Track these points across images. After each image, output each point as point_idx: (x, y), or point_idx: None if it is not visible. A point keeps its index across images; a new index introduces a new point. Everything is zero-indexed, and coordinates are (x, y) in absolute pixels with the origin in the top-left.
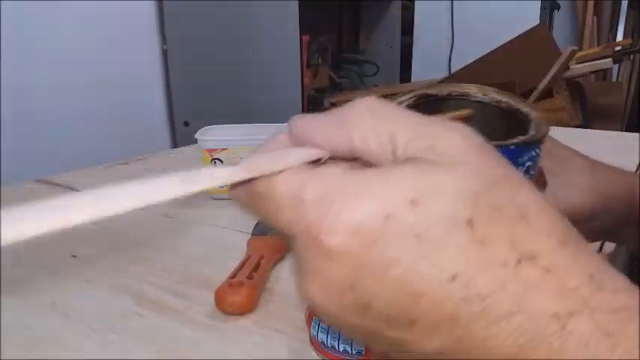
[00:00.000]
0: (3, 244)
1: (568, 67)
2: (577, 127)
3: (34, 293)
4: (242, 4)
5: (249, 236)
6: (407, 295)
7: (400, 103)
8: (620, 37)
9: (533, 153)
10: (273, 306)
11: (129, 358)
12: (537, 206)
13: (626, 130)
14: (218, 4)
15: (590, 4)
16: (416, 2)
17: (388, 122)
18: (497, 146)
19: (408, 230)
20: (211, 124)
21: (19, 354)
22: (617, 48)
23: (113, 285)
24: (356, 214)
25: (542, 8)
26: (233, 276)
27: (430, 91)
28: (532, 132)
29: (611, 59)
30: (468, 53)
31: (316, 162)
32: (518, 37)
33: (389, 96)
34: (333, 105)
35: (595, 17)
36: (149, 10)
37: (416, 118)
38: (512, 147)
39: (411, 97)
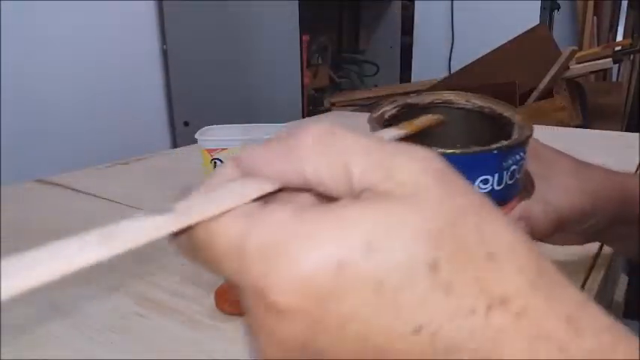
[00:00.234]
0: None
1: (568, 67)
2: (577, 127)
3: (34, 293)
4: (242, 4)
5: None
6: (369, 351)
7: (383, 113)
8: (620, 37)
9: (518, 157)
10: None
11: (129, 358)
12: (507, 241)
13: (626, 130)
14: (218, 4)
15: (590, 4)
16: (416, 2)
17: (341, 151)
18: (480, 152)
19: (364, 279)
20: (211, 124)
21: (19, 354)
22: (617, 48)
23: (113, 285)
24: (305, 266)
25: (542, 8)
26: None
27: (412, 101)
28: (515, 136)
29: (611, 59)
30: (468, 53)
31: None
32: (518, 37)
33: (374, 104)
34: (333, 105)
35: (595, 17)
36: (149, 10)
37: (372, 145)
38: (496, 152)
39: (394, 107)
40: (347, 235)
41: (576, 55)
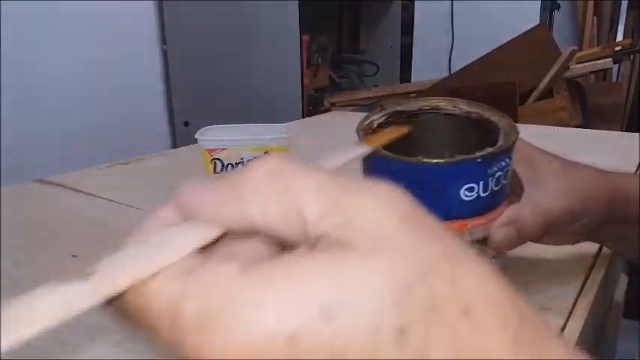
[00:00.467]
0: None
1: (568, 67)
2: (577, 127)
3: None
4: (242, 4)
5: None
6: None
7: (372, 121)
8: (620, 37)
9: (503, 163)
10: None
11: (129, 358)
12: (484, 292)
13: (626, 130)
14: (218, 4)
15: (590, 4)
16: (416, 2)
17: (293, 193)
18: (464, 161)
19: (322, 352)
20: (211, 124)
21: (19, 354)
22: (617, 48)
23: None
24: (250, 337)
25: (542, 8)
26: None
27: (401, 108)
28: (500, 142)
29: (611, 59)
30: (468, 53)
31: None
32: (518, 37)
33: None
34: (333, 105)
35: (595, 17)
36: (149, 10)
37: (328, 184)
38: (480, 160)
39: (383, 115)
40: (301, 300)
41: (576, 55)
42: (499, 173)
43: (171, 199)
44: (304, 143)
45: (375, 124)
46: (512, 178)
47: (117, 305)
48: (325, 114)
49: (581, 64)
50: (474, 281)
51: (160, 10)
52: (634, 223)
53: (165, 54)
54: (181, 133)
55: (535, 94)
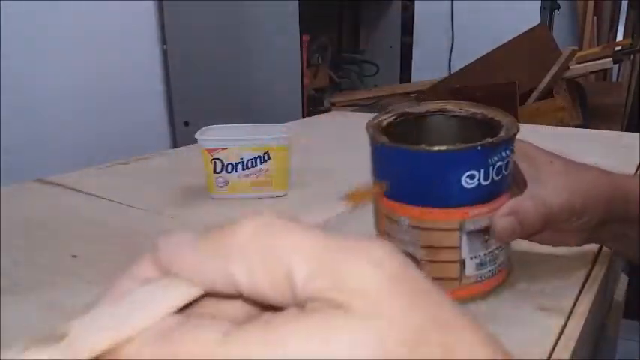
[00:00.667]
0: None
1: (568, 67)
2: (577, 127)
3: (34, 293)
4: (242, 4)
5: None
6: None
7: (381, 121)
8: (620, 37)
9: (504, 154)
10: None
11: None
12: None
13: (626, 130)
14: (218, 4)
15: (590, 4)
16: (416, 2)
17: (280, 252)
18: (465, 149)
19: None
20: (211, 124)
21: (19, 354)
22: (617, 48)
23: None
24: None
25: (542, 8)
26: None
27: (410, 110)
28: (501, 135)
29: (611, 59)
30: (468, 53)
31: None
32: (518, 37)
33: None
34: (333, 105)
35: (595, 17)
36: (149, 10)
37: (318, 242)
38: (480, 148)
39: (392, 115)
40: None
41: (576, 55)
42: (499, 163)
43: (150, 253)
44: (304, 143)
45: (385, 123)
46: (515, 175)
47: None
48: (325, 114)
49: (581, 64)
50: (466, 351)
51: (160, 10)
52: (634, 223)
53: (165, 54)
54: (181, 133)
55: (535, 94)
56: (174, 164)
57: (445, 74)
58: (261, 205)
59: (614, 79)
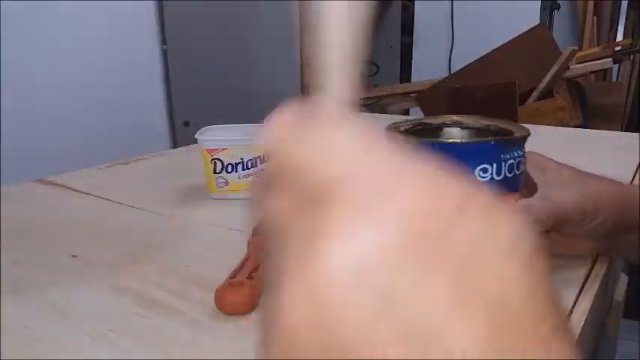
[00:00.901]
0: None
1: (568, 67)
2: (577, 127)
3: (34, 293)
4: (242, 4)
5: (249, 236)
6: None
7: (398, 126)
8: (620, 37)
9: (515, 153)
10: None
11: (129, 358)
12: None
13: (626, 130)
14: (218, 4)
15: (590, 4)
16: (416, 2)
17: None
18: (478, 142)
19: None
20: (211, 124)
21: (19, 354)
22: (617, 48)
23: (113, 285)
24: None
25: (542, 8)
26: (233, 276)
27: (426, 120)
28: (514, 134)
29: (611, 59)
30: (468, 53)
31: None
32: (518, 37)
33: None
34: None
35: (595, 17)
36: (149, 10)
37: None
38: (493, 142)
39: (409, 123)
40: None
41: (576, 55)
42: (511, 161)
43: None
44: None
45: (402, 128)
46: (527, 181)
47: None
48: None
49: (581, 64)
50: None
51: (160, 10)
52: None
53: (165, 54)
54: (181, 133)
55: (535, 94)
56: (174, 164)
57: (445, 74)
58: None
59: (614, 79)
